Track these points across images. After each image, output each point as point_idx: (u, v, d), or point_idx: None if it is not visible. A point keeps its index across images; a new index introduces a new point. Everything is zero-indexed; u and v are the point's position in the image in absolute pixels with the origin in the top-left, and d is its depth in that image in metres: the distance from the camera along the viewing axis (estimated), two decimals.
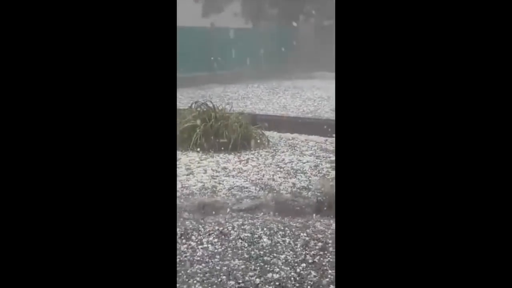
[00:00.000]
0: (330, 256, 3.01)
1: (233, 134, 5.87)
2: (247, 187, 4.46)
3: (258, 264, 2.89)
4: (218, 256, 3.00)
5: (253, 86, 13.11)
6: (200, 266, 2.87)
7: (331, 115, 8.26)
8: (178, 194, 4.21)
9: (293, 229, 3.43)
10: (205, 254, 3.02)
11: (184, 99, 9.66)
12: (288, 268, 2.84)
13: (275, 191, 4.35)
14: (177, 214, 3.66)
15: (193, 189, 4.38)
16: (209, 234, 3.32)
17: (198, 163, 5.32)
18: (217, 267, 2.85)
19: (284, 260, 2.94)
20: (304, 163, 5.36)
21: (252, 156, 5.67)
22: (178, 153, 5.62)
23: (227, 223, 3.53)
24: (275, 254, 3.02)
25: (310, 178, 4.75)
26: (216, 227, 3.45)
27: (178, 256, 2.98)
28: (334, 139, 6.55)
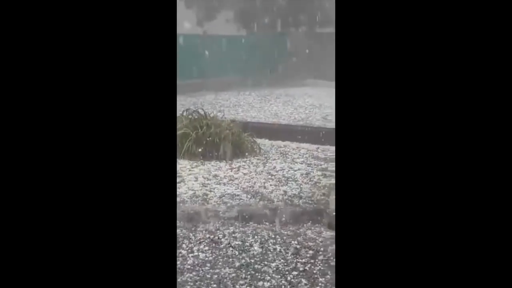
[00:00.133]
0: (321, 264, 3.01)
1: (224, 142, 5.87)
2: (238, 195, 4.45)
3: (249, 272, 2.88)
4: (208, 264, 2.99)
5: (245, 93, 13.13)
6: (191, 275, 2.85)
7: (323, 123, 8.27)
8: None
9: (284, 237, 3.42)
10: (196, 263, 3.01)
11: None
12: (279, 276, 2.84)
13: (266, 199, 4.34)
14: None
15: (184, 197, 4.37)
16: (200, 242, 3.32)
17: (189, 170, 5.31)
18: (207, 276, 2.84)
19: (275, 268, 2.94)
20: (296, 170, 5.36)
21: (243, 163, 5.67)
22: None
23: (218, 231, 3.53)
24: (266, 262, 3.02)
25: (301, 186, 4.75)
26: (207, 235, 3.44)
27: None
28: (325, 147, 6.56)
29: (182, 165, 5.49)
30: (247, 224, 3.70)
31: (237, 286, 2.72)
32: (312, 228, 3.65)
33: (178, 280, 2.77)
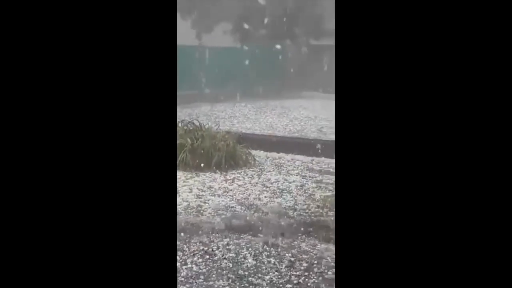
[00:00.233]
0: (315, 277, 3.00)
1: (219, 153, 5.87)
2: (232, 207, 4.44)
3: (242, 285, 2.86)
4: (202, 277, 2.97)
5: (240, 105, 13.15)
6: (184, 287, 2.84)
7: (318, 135, 8.29)
8: None
9: (278, 250, 3.41)
10: (189, 275, 2.99)
11: None
12: None
13: (260, 211, 4.33)
14: None
15: (179, 208, 4.35)
16: (194, 254, 3.30)
17: (184, 182, 5.30)
18: None
19: (269, 281, 2.92)
20: (290, 182, 5.36)
21: (238, 175, 5.66)
22: None
23: (212, 243, 3.51)
24: (260, 275, 3.00)
25: (296, 198, 4.74)
26: (201, 247, 3.42)
27: None
28: (320, 159, 6.57)
29: (177, 176, 5.48)
30: (241, 236, 3.68)
31: None
32: (307, 240, 3.64)
33: None
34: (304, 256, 3.31)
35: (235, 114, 11.33)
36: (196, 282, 2.90)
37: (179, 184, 5.18)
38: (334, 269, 3.05)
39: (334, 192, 4.85)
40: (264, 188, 5.10)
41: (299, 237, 3.71)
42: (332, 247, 3.45)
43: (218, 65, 15.47)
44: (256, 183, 5.33)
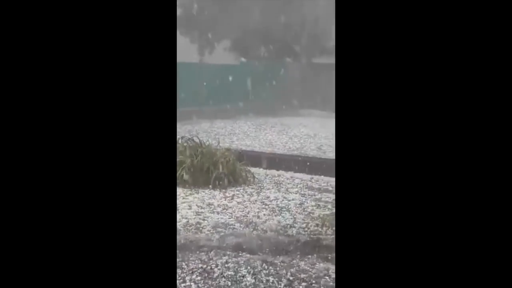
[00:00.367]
0: None
1: (219, 170, 5.87)
2: (231, 224, 4.44)
3: None
4: None
5: (240, 122, 13.17)
6: None
7: (317, 153, 8.29)
8: None
9: (277, 268, 3.40)
10: None
11: None
12: None
13: (259, 229, 4.33)
14: None
15: (178, 226, 4.34)
16: (192, 272, 3.29)
17: (183, 198, 5.29)
18: None
19: None
20: (290, 200, 5.35)
21: (237, 192, 5.66)
22: None
23: (210, 261, 3.50)
24: None
25: (295, 216, 4.74)
26: (200, 265, 3.41)
27: None
28: (319, 177, 6.57)
29: (176, 193, 5.47)
30: (240, 254, 3.67)
31: None
32: (306, 259, 3.63)
33: None
34: (303, 275, 3.30)
35: (235, 131, 11.35)
36: None
37: (178, 201, 5.18)
38: None
39: (333, 211, 4.85)
40: (263, 206, 5.10)
41: (298, 256, 3.70)
42: (331, 266, 3.44)
43: (218, 82, 15.53)
44: (255, 200, 5.33)
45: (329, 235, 4.16)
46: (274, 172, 6.91)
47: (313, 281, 3.21)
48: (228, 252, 3.71)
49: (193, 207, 4.96)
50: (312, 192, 5.77)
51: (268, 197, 5.50)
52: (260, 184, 6.12)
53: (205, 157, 5.98)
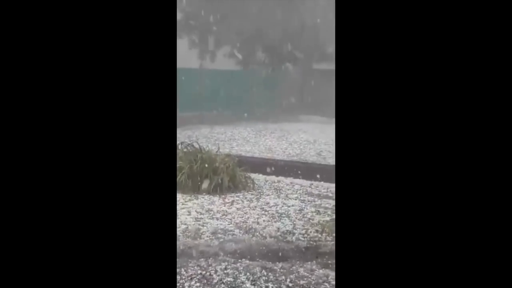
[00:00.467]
0: None
1: (218, 176, 5.86)
2: (231, 230, 4.43)
3: None
4: None
5: (240, 127, 13.18)
6: None
7: (317, 159, 8.29)
8: None
9: (277, 274, 3.39)
10: None
11: None
12: None
13: (259, 235, 4.32)
14: None
15: (177, 231, 4.33)
16: (191, 278, 3.28)
17: (183, 204, 5.29)
18: None
19: None
20: (289, 206, 5.34)
21: (237, 198, 5.65)
22: None
23: (209, 267, 3.49)
24: None
25: (294, 222, 4.73)
26: (199, 271, 3.41)
27: None
28: (319, 183, 6.56)
29: (176, 199, 5.46)
30: (239, 261, 3.66)
31: None
32: (305, 265, 3.62)
33: None
34: (302, 282, 3.29)
35: (235, 137, 11.36)
36: None
37: (177, 206, 5.17)
38: None
39: (333, 217, 4.84)
40: (263, 212, 5.09)
41: (298, 262, 3.69)
42: (331, 273, 3.43)
43: (218, 87, 15.54)
44: (255, 206, 5.32)
45: (328, 241, 4.15)
46: (273, 178, 6.90)
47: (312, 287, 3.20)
48: (227, 258, 3.70)
49: (193, 213, 4.95)
50: (312, 198, 5.76)
51: (268, 203, 5.49)
52: (259, 190, 6.12)
53: (204, 163, 5.97)
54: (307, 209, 5.26)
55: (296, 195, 5.92)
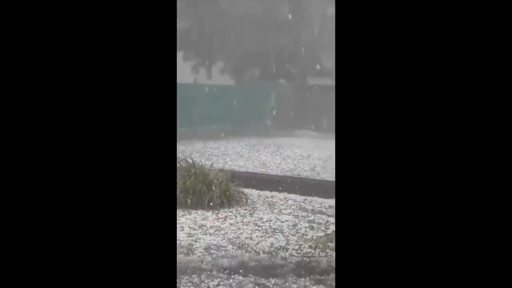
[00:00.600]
0: None
1: (212, 191, 5.84)
2: (224, 246, 4.40)
3: None
4: None
5: (233, 142, 13.17)
6: None
7: (311, 174, 8.28)
8: None
9: None
10: None
11: None
12: None
13: (252, 251, 4.29)
14: None
15: None
16: None
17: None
18: None
19: None
20: (283, 222, 5.32)
21: (230, 213, 5.63)
22: None
23: (202, 283, 3.46)
24: None
25: (288, 238, 4.70)
26: (191, 287, 3.37)
27: None
28: (313, 198, 6.54)
29: (176, 213, 5.43)
30: (232, 277, 3.64)
31: None
32: (298, 281, 3.59)
33: None
34: None
35: (228, 152, 11.34)
36: None
37: None
38: None
39: (326, 232, 4.82)
40: (256, 227, 5.06)
41: (291, 278, 3.67)
42: None
43: (212, 102, 15.56)
44: (248, 222, 5.29)
45: (322, 257, 4.13)
46: (267, 193, 6.88)
47: None
48: (220, 274, 3.67)
49: (185, 229, 4.92)
50: (306, 214, 5.74)
51: (261, 218, 5.47)
52: (253, 205, 6.09)
53: (198, 178, 5.95)
54: (300, 224, 5.24)
55: (289, 211, 5.90)
